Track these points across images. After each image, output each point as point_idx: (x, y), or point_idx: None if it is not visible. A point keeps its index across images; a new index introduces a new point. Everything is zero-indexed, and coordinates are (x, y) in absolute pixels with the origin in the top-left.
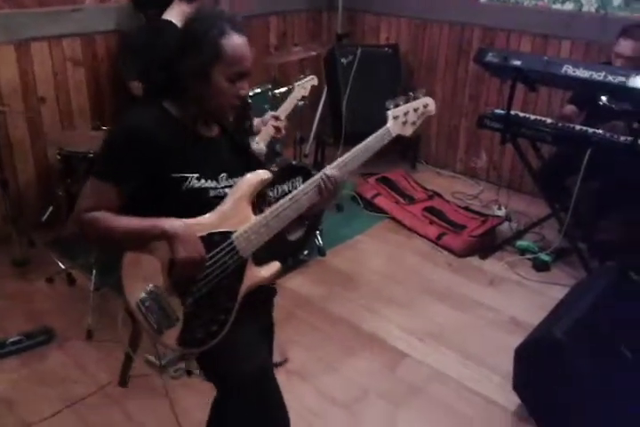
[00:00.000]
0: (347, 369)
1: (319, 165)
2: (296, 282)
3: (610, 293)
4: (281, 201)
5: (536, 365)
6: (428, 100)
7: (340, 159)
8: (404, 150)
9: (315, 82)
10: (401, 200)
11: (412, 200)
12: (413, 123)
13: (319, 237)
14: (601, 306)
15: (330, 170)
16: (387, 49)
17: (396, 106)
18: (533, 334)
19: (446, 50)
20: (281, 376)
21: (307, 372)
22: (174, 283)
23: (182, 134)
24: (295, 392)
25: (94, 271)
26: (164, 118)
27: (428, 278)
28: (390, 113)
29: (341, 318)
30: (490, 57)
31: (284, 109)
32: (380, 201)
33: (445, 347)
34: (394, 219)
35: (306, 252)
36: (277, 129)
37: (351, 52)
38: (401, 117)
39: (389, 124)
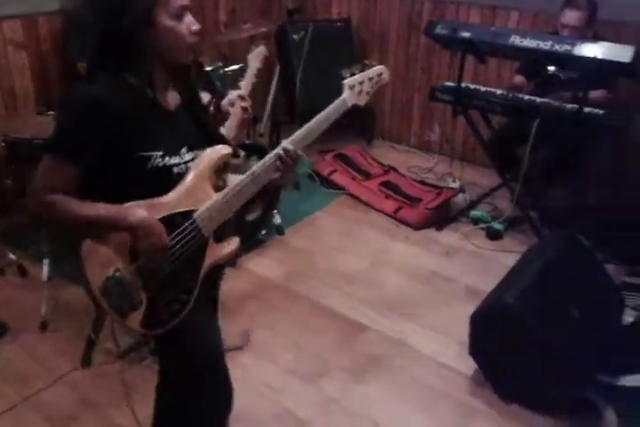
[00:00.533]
0: (308, 345)
1: (275, 145)
2: (255, 262)
3: (559, 257)
4: (241, 177)
5: (490, 331)
6: (382, 69)
7: (297, 133)
8: (360, 126)
9: (265, 52)
10: (357, 176)
11: (368, 176)
12: (367, 92)
13: (277, 216)
14: (551, 270)
15: (288, 144)
16: (339, 24)
17: (352, 75)
18: (486, 301)
19: (397, 23)
20: (244, 356)
21: (269, 350)
22: (137, 268)
23: (143, 105)
24: (257, 371)
25: (46, 261)
26: (122, 87)
27: (387, 252)
28: (346, 82)
29: (301, 296)
30: (439, 29)
31: (246, 87)
32: (337, 177)
33: (404, 318)
34: (351, 195)
35: (264, 231)
36: (245, 109)
37: (303, 28)
38: (357, 87)
39: (345, 94)
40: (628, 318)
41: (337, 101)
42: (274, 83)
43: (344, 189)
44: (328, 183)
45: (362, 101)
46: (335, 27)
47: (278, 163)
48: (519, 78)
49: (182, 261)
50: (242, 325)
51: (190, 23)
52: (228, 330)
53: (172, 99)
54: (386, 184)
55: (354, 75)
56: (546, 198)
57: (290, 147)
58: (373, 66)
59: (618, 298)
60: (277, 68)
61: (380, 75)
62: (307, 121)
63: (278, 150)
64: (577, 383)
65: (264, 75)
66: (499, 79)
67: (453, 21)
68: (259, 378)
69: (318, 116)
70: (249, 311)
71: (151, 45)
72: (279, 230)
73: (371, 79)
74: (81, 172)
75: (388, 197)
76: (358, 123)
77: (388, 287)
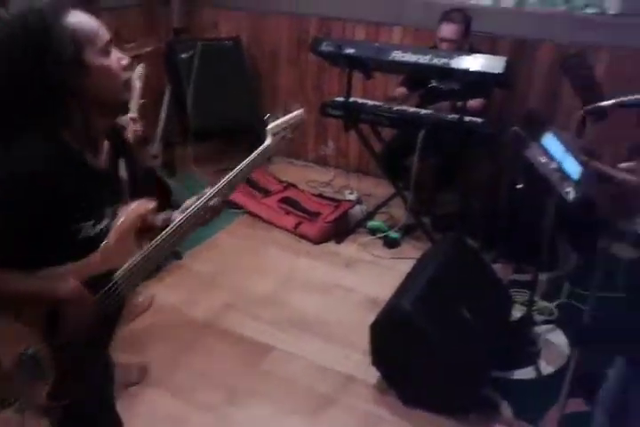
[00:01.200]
0: (212, 372)
1: (170, 166)
2: (153, 290)
3: (449, 260)
4: (162, 233)
5: (389, 338)
6: (301, 112)
7: (219, 184)
8: (258, 144)
9: (144, 70)
10: (256, 194)
11: (267, 193)
12: (290, 138)
13: None
14: (442, 274)
15: (213, 201)
16: (228, 42)
17: (274, 120)
18: (384, 309)
19: (287, 41)
20: (145, 392)
21: (170, 381)
22: (52, 342)
23: (75, 170)
24: (162, 405)
25: None
26: (52, 151)
27: (289, 269)
28: (269, 129)
29: (204, 322)
30: (324, 46)
31: (133, 109)
32: (236, 197)
33: (309, 334)
34: (251, 213)
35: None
36: (137, 132)
37: (191, 47)
38: (280, 133)
39: (268, 140)
40: (517, 313)
41: (261, 149)
42: (165, 103)
43: (244, 208)
44: (227, 203)
45: (282, 146)
46: (224, 45)
47: (200, 218)
48: (400, 90)
49: (98, 327)
50: (141, 357)
51: (119, 58)
52: (125, 364)
53: (103, 150)
54: (285, 200)
55: (275, 121)
56: (436, 205)
57: (214, 203)
58: (292, 111)
59: (506, 295)
60: (168, 88)
61: (298, 118)
62: (201, 140)
63: (199, 207)
64: (472, 382)
65: (154, 95)
66: (387, 93)
67: (339, 38)
68: (164, 412)
69: (241, 166)
70: (148, 342)
71: (85, 89)
72: (176, 255)
73: (291, 124)
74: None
75: (287, 213)
76: (257, 140)
77: (292, 304)
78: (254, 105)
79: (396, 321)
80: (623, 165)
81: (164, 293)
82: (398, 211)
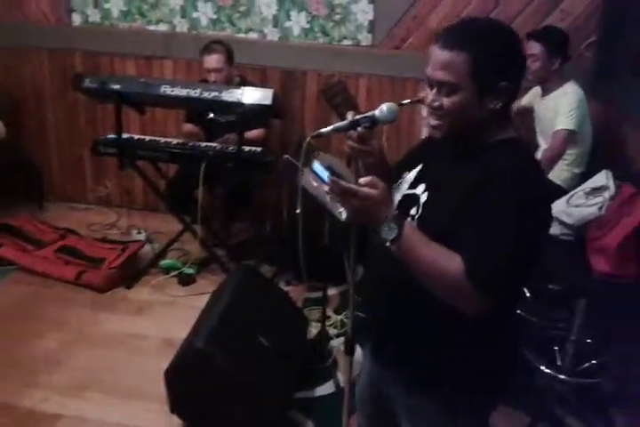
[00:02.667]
0: None
1: None
2: None
3: (242, 290)
4: None
5: (187, 381)
6: None
7: None
8: (26, 190)
9: None
10: (29, 246)
11: (41, 244)
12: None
13: None
14: (236, 305)
15: None
16: None
17: None
18: (178, 352)
19: (50, 77)
20: None
21: None
22: None
23: None
24: None
25: None
26: None
27: (75, 325)
28: None
29: None
30: (88, 83)
31: None
32: (4, 252)
33: (101, 393)
34: (24, 268)
35: None
36: None
37: None
38: None
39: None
40: (314, 330)
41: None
42: None
43: (14, 264)
44: None
45: None
46: None
47: None
48: (188, 126)
49: None
50: None
51: None
52: None
53: None
54: (63, 249)
55: None
56: (230, 235)
57: None
58: None
59: (300, 315)
60: None
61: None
62: None
63: None
64: (277, 408)
65: None
66: (166, 128)
67: (102, 74)
68: None
69: None
70: None
71: None
72: None
73: None
74: None
75: (67, 262)
76: (23, 187)
77: (79, 364)
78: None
79: (190, 363)
80: (362, 180)
81: None
82: (192, 245)
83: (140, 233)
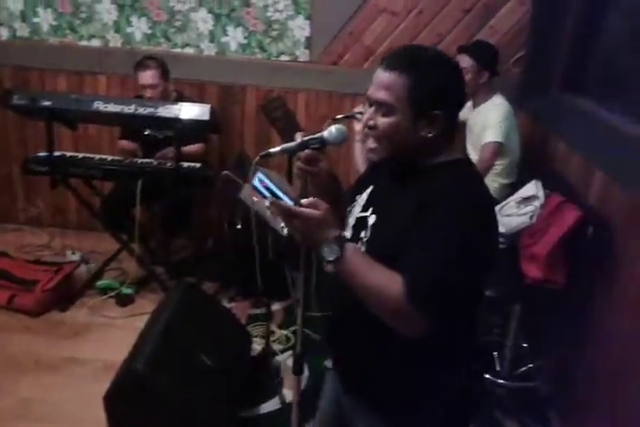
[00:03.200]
0: None
1: None
2: None
3: (182, 309)
4: None
5: (127, 405)
6: None
7: None
8: None
9: None
10: None
11: None
12: None
13: None
14: (176, 324)
15: None
16: None
17: None
18: (116, 376)
19: None
20: None
21: None
22: None
23: None
24: None
25: None
26: None
27: (7, 351)
28: None
29: None
30: (17, 100)
31: None
32: None
33: (38, 422)
34: None
35: None
36: None
37: None
38: None
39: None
40: (257, 347)
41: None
42: None
43: None
44: None
45: None
46: None
47: None
48: (123, 143)
49: None
50: None
51: None
52: None
53: None
54: None
55: None
56: (170, 252)
57: None
58: None
59: (244, 332)
60: None
61: None
62: None
63: None
64: None
65: None
66: (100, 144)
67: (32, 91)
68: None
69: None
70: None
71: None
72: None
73: None
74: None
75: None
76: None
77: (16, 393)
78: None
79: (130, 386)
80: (304, 201)
81: None
82: (129, 265)
83: (74, 253)
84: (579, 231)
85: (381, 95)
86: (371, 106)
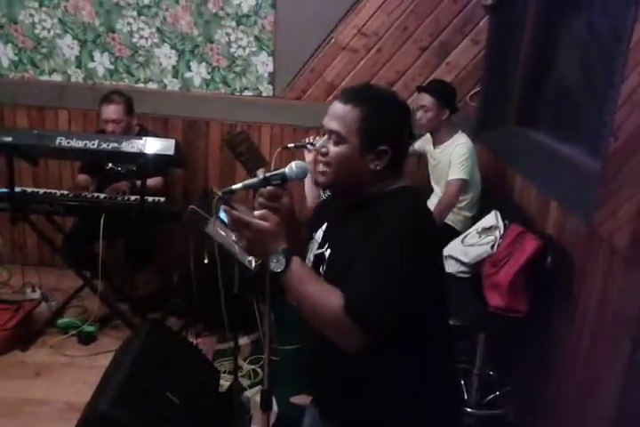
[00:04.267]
0: None
1: None
2: None
3: (148, 346)
4: None
5: None
6: None
7: None
8: None
9: None
10: None
11: None
12: None
13: None
14: (142, 362)
15: None
16: None
17: None
18: (81, 417)
19: None
20: None
21: None
22: None
23: None
24: None
25: None
26: None
27: None
28: None
29: None
30: None
31: None
32: None
33: None
34: None
35: None
36: None
37: None
38: None
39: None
40: (225, 382)
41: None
42: None
43: None
44: None
45: None
46: None
47: None
48: (82, 177)
49: None
50: None
51: None
52: None
53: None
54: None
55: None
56: (134, 288)
57: None
58: None
59: (211, 368)
60: None
61: None
62: None
63: None
64: None
65: None
66: (62, 179)
67: None
68: None
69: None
70: None
71: None
72: None
73: None
74: None
75: None
76: None
77: None
78: None
79: None
80: (257, 212)
81: None
82: (92, 302)
83: (34, 291)
84: (538, 260)
85: (334, 125)
86: (324, 134)
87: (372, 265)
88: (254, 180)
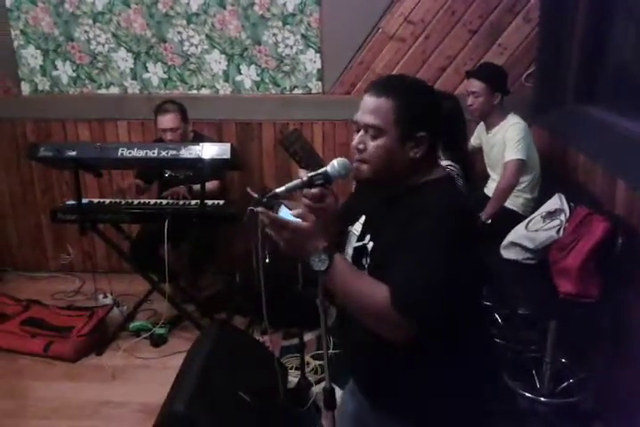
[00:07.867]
0: None
1: None
2: None
3: (217, 346)
4: None
5: None
6: None
7: None
8: None
9: None
10: None
11: (3, 317)
12: None
13: None
14: (213, 362)
15: None
16: None
17: None
18: (158, 417)
19: (0, 149)
20: None
21: None
22: None
23: None
24: None
25: None
26: None
27: (47, 399)
28: None
29: None
30: (43, 152)
31: None
32: None
33: None
34: None
35: None
36: None
37: None
38: None
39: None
40: (293, 379)
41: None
42: None
43: None
44: None
45: None
46: None
47: None
48: (129, 181)
49: None
50: None
51: None
52: None
53: None
54: (28, 321)
55: None
56: (199, 289)
57: None
58: None
59: (279, 365)
60: None
61: None
62: None
63: None
64: None
65: None
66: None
67: (57, 142)
68: None
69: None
70: None
71: None
72: None
73: None
74: None
75: (34, 335)
76: None
77: None
78: None
79: None
80: (294, 211)
81: None
82: (161, 305)
83: (106, 297)
84: (608, 242)
85: (370, 119)
86: (359, 131)
87: (417, 258)
88: (297, 181)
